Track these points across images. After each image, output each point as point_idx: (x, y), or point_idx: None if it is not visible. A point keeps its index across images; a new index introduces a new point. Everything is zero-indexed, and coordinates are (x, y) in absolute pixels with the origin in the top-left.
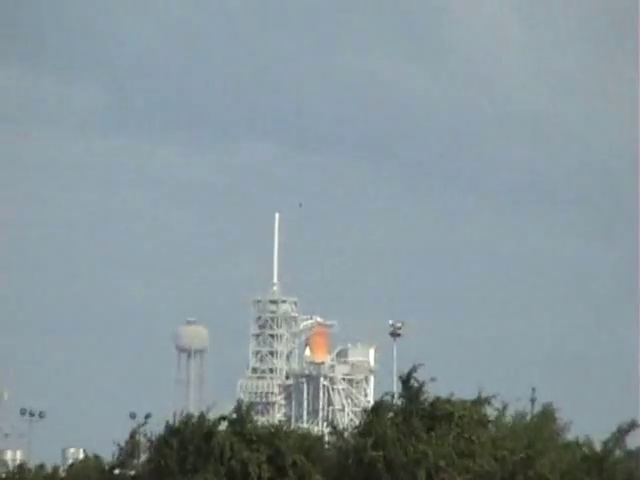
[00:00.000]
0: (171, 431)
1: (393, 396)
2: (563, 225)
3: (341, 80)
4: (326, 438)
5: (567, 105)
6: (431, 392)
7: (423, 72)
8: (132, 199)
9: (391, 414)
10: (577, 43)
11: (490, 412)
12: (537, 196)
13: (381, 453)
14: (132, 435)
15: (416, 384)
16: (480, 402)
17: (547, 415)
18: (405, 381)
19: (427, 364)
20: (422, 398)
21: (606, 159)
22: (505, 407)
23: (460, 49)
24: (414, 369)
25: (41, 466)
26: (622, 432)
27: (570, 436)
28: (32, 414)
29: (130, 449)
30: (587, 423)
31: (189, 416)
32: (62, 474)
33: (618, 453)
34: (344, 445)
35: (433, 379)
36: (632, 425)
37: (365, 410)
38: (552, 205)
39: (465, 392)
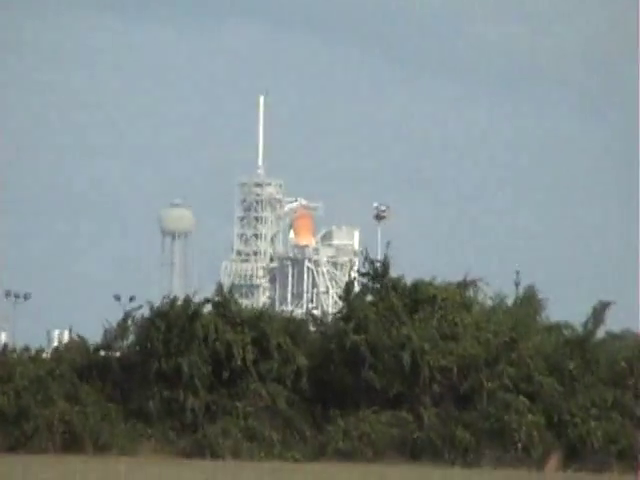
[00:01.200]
0: (158, 313)
1: (367, 275)
2: (553, 105)
3: None
4: (310, 323)
5: None
6: (412, 275)
7: None
8: (114, 82)
9: (370, 297)
10: None
11: (474, 295)
12: (528, 76)
13: (363, 337)
14: (125, 317)
15: (378, 261)
16: (465, 285)
17: (529, 297)
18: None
19: (412, 247)
20: (397, 276)
21: (599, 38)
22: (488, 290)
23: None
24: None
25: (26, 348)
26: (597, 312)
27: (551, 317)
28: (17, 296)
29: (119, 331)
30: (570, 305)
31: (175, 299)
32: (46, 356)
33: (601, 335)
34: (326, 330)
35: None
36: (605, 305)
37: (342, 295)
38: (543, 85)
39: (450, 275)
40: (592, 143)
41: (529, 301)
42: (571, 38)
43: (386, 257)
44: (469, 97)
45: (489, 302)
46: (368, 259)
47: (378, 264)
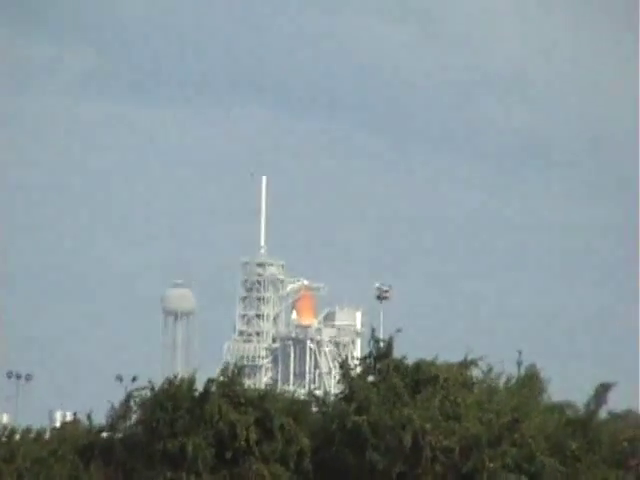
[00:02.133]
0: (164, 393)
1: (370, 357)
2: (556, 185)
3: (333, 43)
4: (312, 405)
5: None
6: (414, 354)
7: (413, 33)
8: (118, 162)
9: (371, 377)
10: (566, 3)
11: (476, 374)
12: (530, 158)
13: (364, 417)
14: (127, 398)
15: (382, 343)
16: (466, 364)
17: (531, 377)
18: (375, 342)
19: (414, 327)
20: (398, 357)
21: (602, 120)
22: (490, 370)
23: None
24: (374, 331)
25: (28, 429)
26: (599, 393)
27: (552, 396)
28: (18, 376)
29: (123, 411)
30: (572, 384)
31: (180, 380)
32: (48, 436)
33: (603, 415)
34: (328, 410)
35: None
36: (607, 386)
37: (344, 374)
38: (546, 167)
39: (452, 355)
40: (594, 225)
41: (531, 380)
42: (573, 120)
43: (391, 338)
44: (471, 175)
45: (491, 381)
46: (374, 339)
47: (382, 344)
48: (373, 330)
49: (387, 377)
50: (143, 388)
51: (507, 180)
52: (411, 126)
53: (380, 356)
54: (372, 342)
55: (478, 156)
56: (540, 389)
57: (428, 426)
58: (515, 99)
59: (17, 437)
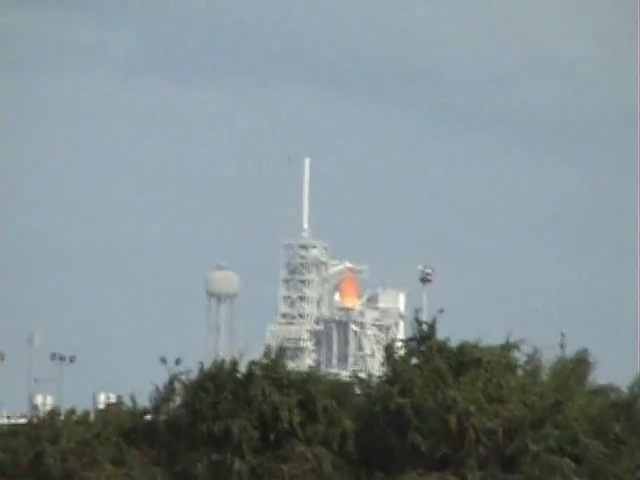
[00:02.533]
0: (207, 376)
1: (414, 339)
2: (594, 165)
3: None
4: (356, 387)
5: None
6: (457, 336)
7: (449, 12)
8: (157, 142)
9: (415, 360)
10: None
11: (519, 356)
12: (567, 137)
13: (408, 400)
14: (171, 380)
15: (425, 325)
16: (508, 347)
17: (580, 360)
18: (418, 324)
19: (457, 310)
20: (441, 339)
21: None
22: (535, 352)
23: None
24: (417, 312)
25: (72, 410)
26: None
27: (598, 380)
28: (62, 358)
29: (167, 393)
30: (615, 369)
31: (222, 361)
32: (92, 418)
33: None
34: (371, 392)
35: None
36: None
37: (388, 356)
38: (581, 145)
39: (495, 338)
40: (630, 200)
41: (579, 363)
42: (610, 97)
43: (434, 320)
44: (516, 158)
45: (535, 364)
46: (417, 320)
47: (425, 326)
48: (417, 311)
49: (430, 359)
50: (187, 371)
51: (546, 161)
52: (448, 108)
53: (423, 338)
54: (415, 324)
55: (519, 137)
56: (586, 372)
57: (472, 408)
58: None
59: (61, 418)
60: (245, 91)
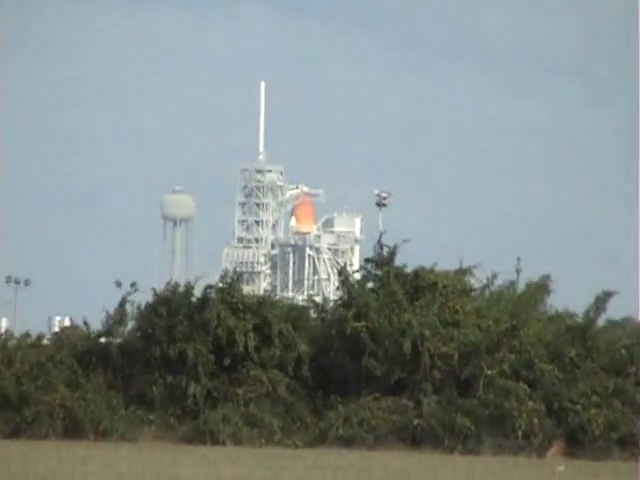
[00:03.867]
0: (160, 300)
1: (372, 261)
2: (560, 95)
3: None
4: (311, 311)
5: None
6: (413, 262)
7: None
8: (114, 68)
9: (371, 284)
10: None
11: (476, 282)
12: (532, 64)
13: (363, 323)
14: (122, 303)
15: (387, 248)
16: (462, 272)
17: (541, 287)
18: (379, 247)
19: (412, 234)
20: (400, 264)
21: (606, 29)
22: (494, 277)
23: None
24: (381, 235)
25: (26, 334)
26: (600, 301)
27: (555, 306)
28: (17, 282)
29: (118, 317)
30: (570, 296)
31: (176, 285)
32: (47, 342)
33: (602, 323)
34: (327, 316)
35: (405, 240)
36: (608, 294)
37: (343, 280)
38: (549, 75)
39: (450, 264)
40: (599, 133)
41: (538, 289)
42: (580, 28)
43: (395, 246)
44: (474, 84)
45: (492, 290)
46: (380, 244)
47: (386, 250)
48: (381, 235)
49: (387, 284)
50: (135, 291)
51: (507, 86)
52: (412, 33)
53: (382, 263)
54: (377, 247)
55: (480, 63)
56: (542, 298)
57: (427, 333)
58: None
59: (14, 342)
60: (206, 14)
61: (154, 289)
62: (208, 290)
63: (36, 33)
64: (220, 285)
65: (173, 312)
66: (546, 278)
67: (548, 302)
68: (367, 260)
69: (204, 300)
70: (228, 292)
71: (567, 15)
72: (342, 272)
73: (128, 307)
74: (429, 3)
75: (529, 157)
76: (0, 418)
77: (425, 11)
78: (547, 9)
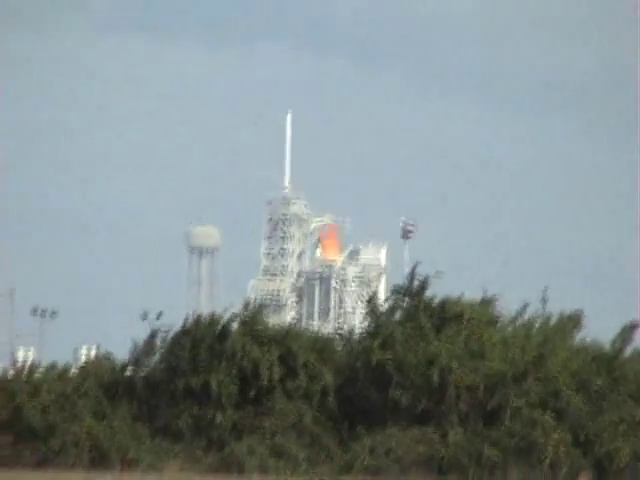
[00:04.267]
0: (184, 331)
1: (401, 292)
2: (570, 129)
3: None
4: (336, 340)
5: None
6: (439, 292)
7: None
8: (144, 99)
9: (398, 314)
10: None
11: (500, 312)
12: (555, 101)
13: (389, 354)
14: (152, 335)
15: (419, 279)
16: (487, 302)
17: (572, 320)
18: (410, 278)
19: (438, 265)
20: (429, 295)
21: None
22: (524, 307)
23: None
24: (416, 265)
25: (52, 365)
26: (626, 331)
27: (580, 338)
28: (44, 313)
29: (147, 348)
30: (596, 326)
31: (200, 316)
32: (73, 373)
33: (629, 353)
34: (352, 347)
35: (439, 273)
36: (635, 324)
37: (371, 309)
38: (558, 109)
39: (476, 294)
40: (610, 165)
41: (568, 321)
42: (587, 61)
43: (427, 277)
44: (500, 115)
45: (521, 321)
46: (412, 275)
47: (417, 281)
48: (415, 265)
49: (414, 316)
50: (168, 326)
51: (531, 121)
52: (436, 68)
53: (412, 294)
54: (408, 278)
55: (503, 96)
56: (572, 329)
57: (454, 364)
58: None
59: (40, 373)
60: (228, 49)
61: (183, 322)
62: (232, 321)
63: (60, 60)
64: (244, 315)
65: (197, 343)
66: (578, 312)
67: (578, 336)
68: (395, 290)
69: (228, 331)
70: (252, 323)
71: (585, 48)
72: (371, 300)
73: (156, 339)
74: (448, 33)
75: (555, 188)
76: (27, 449)
77: (448, 46)
78: (570, 47)
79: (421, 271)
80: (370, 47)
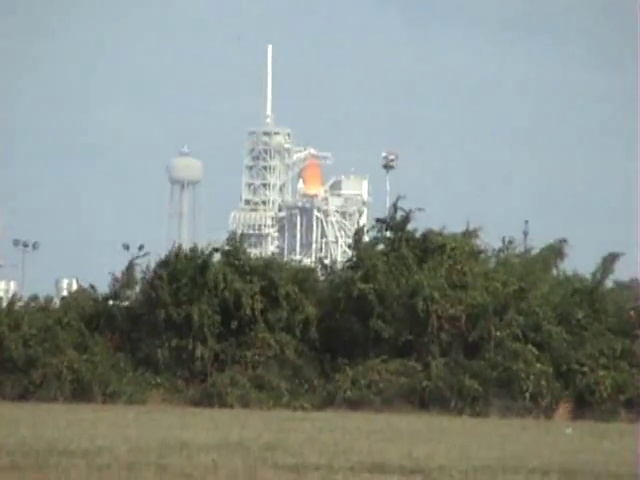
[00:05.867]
0: (163, 263)
1: (381, 226)
2: (561, 55)
3: None
4: (319, 271)
5: None
6: (421, 224)
7: None
8: (120, 29)
9: (381, 246)
10: None
11: (481, 244)
12: (534, 26)
13: (371, 285)
14: (129, 266)
15: (402, 213)
16: (469, 234)
17: (555, 251)
18: (393, 211)
19: (420, 196)
20: (411, 228)
21: None
22: (510, 242)
23: None
24: (398, 199)
25: (34, 297)
26: (606, 263)
27: (563, 270)
28: (25, 245)
29: (125, 280)
30: (579, 257)
31: (180, 248)
32: (55, 305)
33: (609, 284)
34: (334, 278)
35: (420, 209)
36: (615, 256)
37: (356, 240)
38: (549, 35)
39: (458, 225)
40: (600, 90)
41: (550, 252)
42: None
43: (409, 211)
44: (483, 45)
45: (503, 252)
46: (395, 207)
47: (400, 214)
48: (398, 198)
49: (397, 247)
50: (144, 255)
51: (516, 49)
52: None
53: (395, 227)
54: (391, 211)
55: (487, 24)
56: (553, 262)
57: (436, 295)
58: None
59: (21, 305)
60: None
61: (159, 255)
62: (213, 252)
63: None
64: (226, 248)
65: (177, 275)
66: (561, 242)
67: (561, 267)
68: (378, 221)
69: (209, 262)
70: (234, 254)
71: None
72: (358, 232)
73: (135, 270)
74: None
75: (538, 119)
76: (8, 381)
77: None
78: None
79: (403, 204)
80: None
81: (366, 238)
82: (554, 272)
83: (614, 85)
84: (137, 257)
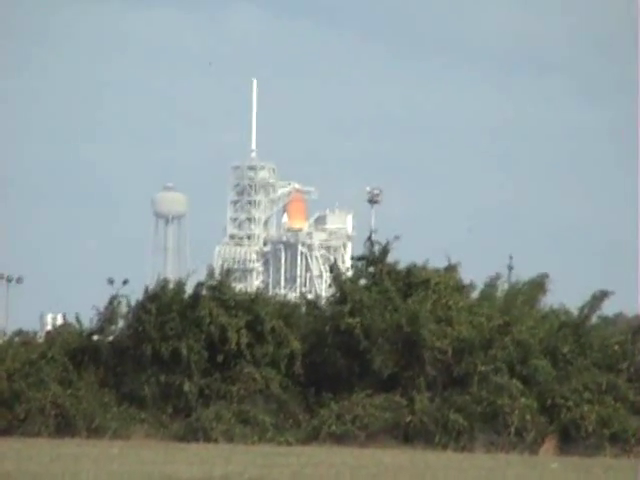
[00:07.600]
0: (150, 297)
1: (362, 260)
2: (554, 91)
3: None
4: (303, 308)
5: None
6: (405, 257)
7: None
8: (109, 62)
9: (363, 281)
10: None
11: (469, 279)
12: (528, 62)
13: (358, 320)
14: (111, 301)
15: (378, 246)
16: (452, 268)
17: (538, 285)
18: (370, 245)
19: (404, 230)
20: (392, 260)
21: (599, 24)
22: (497, 277)
23: None
24: (372, 233)
25: (18, 332)
26: (596, 300)
27: (551, 304)
28: (9, 279)
29: (109, 315)
30: (567, 292)
31: (166, 281)
32: (40, 339)
33: (595, 320)
34: (320, 313)
35: (397, 237)
36: (605, 293)
37: (334, 277)
38: (543, 71)
39: (441, 261)
40: (592, 129)
41: (533, 287)
42: (571, 23)
43: (387, 243)
44: (467, 82)
45: (487, 287)
46: (370, 241)
47: (378, 248)
48: (371, 233)
49: (380, 281)
50: (129, 292)
51: (502, 84)
52: (405, 31)
53: (374, 260)
54: (368, 245)
55: (473, 62)
56: (537, 295)
57: (423, 330)
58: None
59: (5, 339)
60: (198, 13)
61: (146, 287)
62: (199, 287)
63: (24, 26)
64: (210, 282)
65: (164, 309)
66: (544, 277)
67: (543, 301)
68: (358, 258)
69: (196, 297)
70: (219, 289)
71: (564, 14)
72: (333, 269)
73: (120, 304)
74: (424, 0)
75: (524, 155)
76: None
77: (419, 9)
78: (545, 7)
79: (382, 237)
80: (343, 12)
81: (349, 273)
82: (540, 305)
83: (600, 120)
84: (120, 292)
